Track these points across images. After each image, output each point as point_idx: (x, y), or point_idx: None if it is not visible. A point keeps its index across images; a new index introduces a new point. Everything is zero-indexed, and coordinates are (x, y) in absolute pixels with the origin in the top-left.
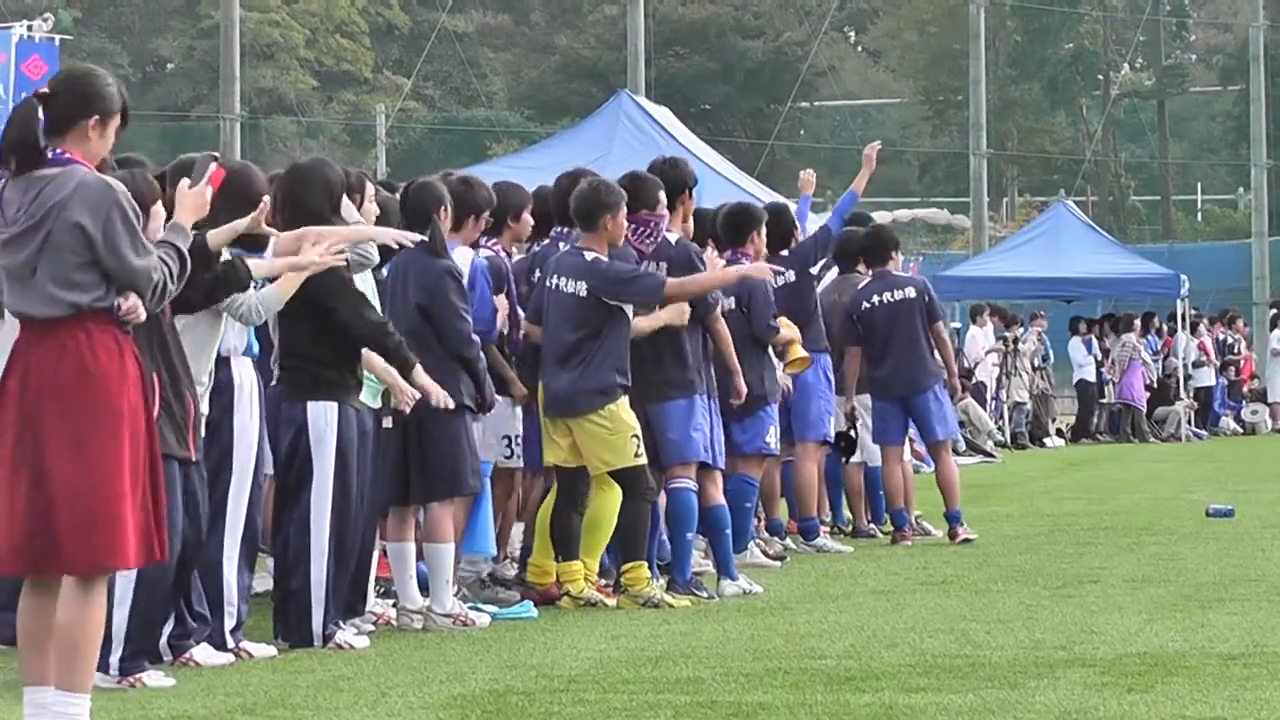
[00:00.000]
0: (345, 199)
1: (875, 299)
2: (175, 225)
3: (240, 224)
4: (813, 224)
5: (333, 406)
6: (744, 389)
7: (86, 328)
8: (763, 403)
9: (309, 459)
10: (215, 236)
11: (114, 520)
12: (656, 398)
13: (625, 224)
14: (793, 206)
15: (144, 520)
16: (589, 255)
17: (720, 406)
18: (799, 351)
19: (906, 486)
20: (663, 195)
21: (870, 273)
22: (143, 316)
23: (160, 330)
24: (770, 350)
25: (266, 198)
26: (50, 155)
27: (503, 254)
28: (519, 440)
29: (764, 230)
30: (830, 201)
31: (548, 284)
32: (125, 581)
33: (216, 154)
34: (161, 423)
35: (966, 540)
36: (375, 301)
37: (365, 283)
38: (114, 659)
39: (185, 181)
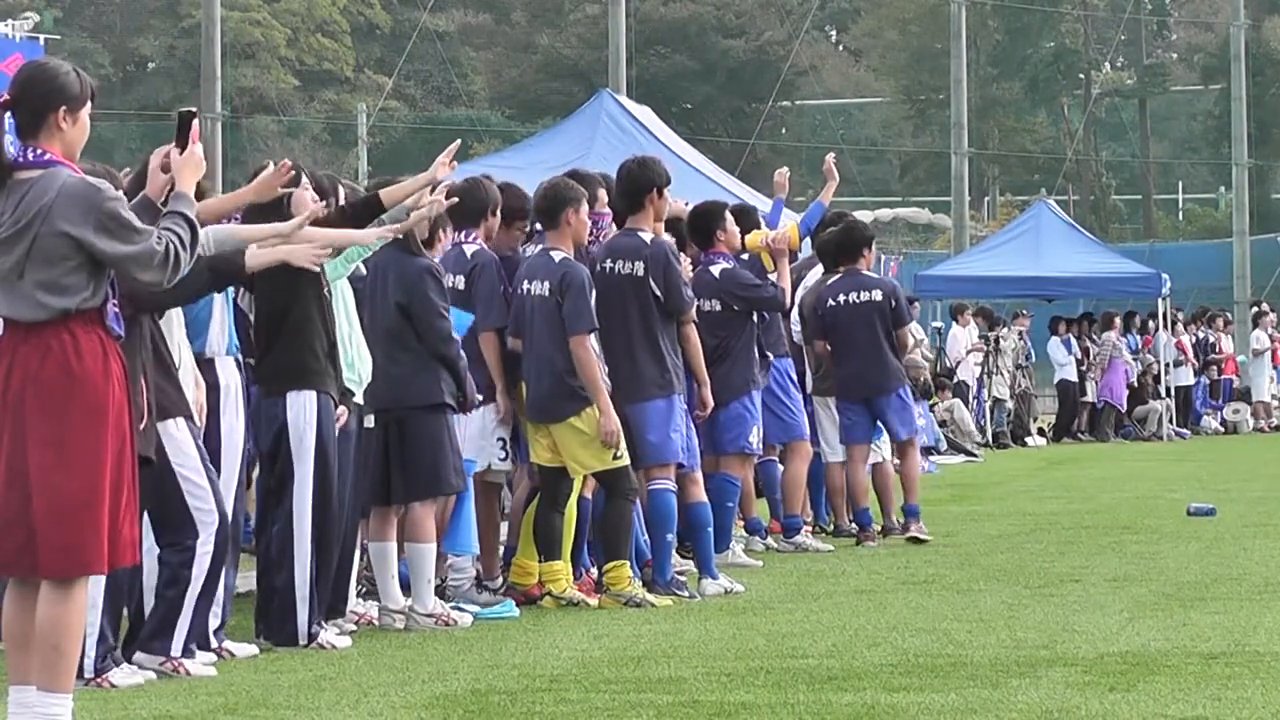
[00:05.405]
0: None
1: (840, 298)
2: (179, 195)
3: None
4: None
5: (311, 396)
6: (710, 401)
7: (71, 329)
8: (745, 392)
9: (290, 456)
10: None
11: (91, 524)
12: (636, 397)
13: (588, 220)
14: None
15: (119, 524)
16: (556, 256)
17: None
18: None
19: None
20: (602, 193)
21: (841, 269)
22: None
23: (147, 331)
24: (756, 345)
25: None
26: (31, 156)
27: (484, 247)
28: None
29: (729, 224)
30: (812, 200)
31: (520, 290)
32: (96, 584)
33: (193, 109)
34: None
35: (916, 539)
36: (353, 304)
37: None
38: (87, 661)
39: (173, 150)
